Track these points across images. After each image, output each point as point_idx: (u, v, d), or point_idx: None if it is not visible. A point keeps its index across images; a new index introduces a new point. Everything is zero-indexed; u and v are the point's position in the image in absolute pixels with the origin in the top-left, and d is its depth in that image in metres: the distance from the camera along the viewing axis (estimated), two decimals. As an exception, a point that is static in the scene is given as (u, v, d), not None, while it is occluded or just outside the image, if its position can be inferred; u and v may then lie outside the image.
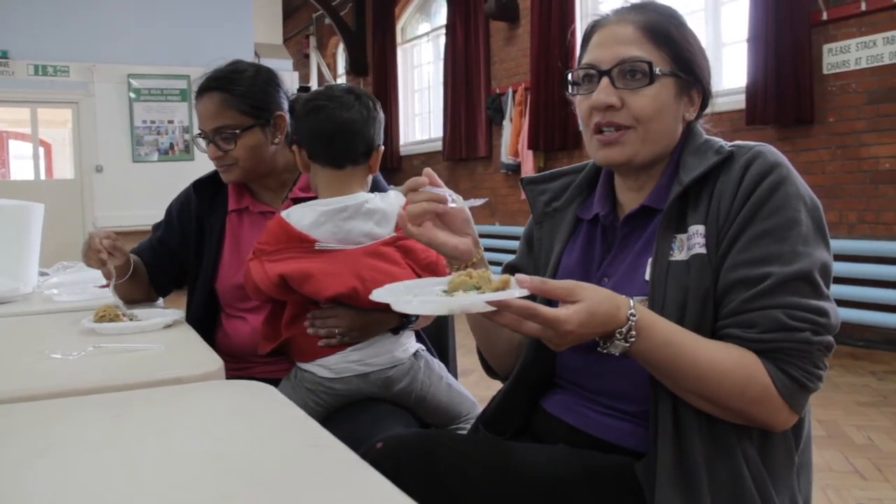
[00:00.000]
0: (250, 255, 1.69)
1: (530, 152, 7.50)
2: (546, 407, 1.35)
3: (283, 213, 1.69)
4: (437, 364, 1.79)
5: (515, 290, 1.01)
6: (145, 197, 9.22)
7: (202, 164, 8.00)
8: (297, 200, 1.90)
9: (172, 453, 0.91)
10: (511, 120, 7.88)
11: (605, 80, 1.22)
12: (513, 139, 7.81)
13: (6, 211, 2.37)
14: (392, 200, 1.72)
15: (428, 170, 1.24)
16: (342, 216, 1.67)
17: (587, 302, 1.03)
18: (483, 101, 8.41)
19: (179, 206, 2.03)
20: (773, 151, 1.17)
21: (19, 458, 0.91)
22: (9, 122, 10.07)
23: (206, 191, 2.00)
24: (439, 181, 1.23)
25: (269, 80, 1.91)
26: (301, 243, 1.65)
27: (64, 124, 10.17)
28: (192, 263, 1.99)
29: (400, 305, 1.04)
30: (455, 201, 1.21)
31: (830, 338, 1.11)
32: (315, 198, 1.80)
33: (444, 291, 1.09)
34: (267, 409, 1.10)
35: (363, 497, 0.77)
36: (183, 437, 0.98)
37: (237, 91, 1.85)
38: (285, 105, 1.93)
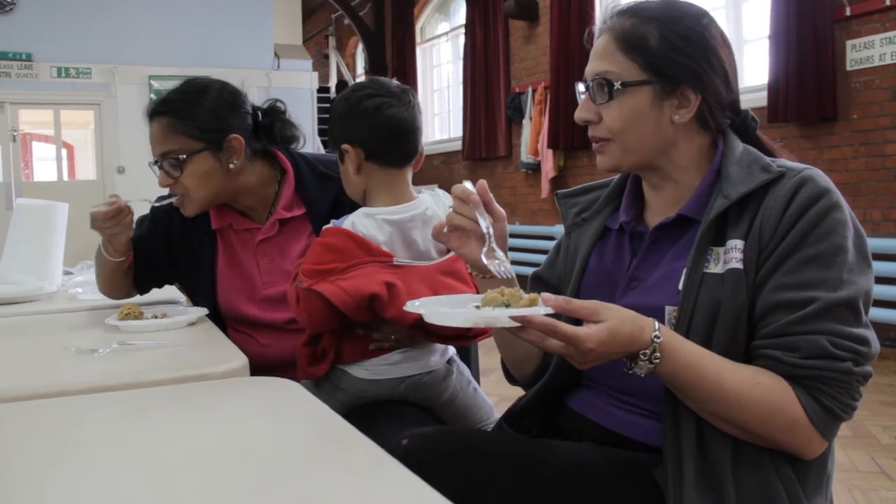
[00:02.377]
0: (305, 280, 1.52)
1: (550, 151, 7.48)
2: (572, 405, 1.34)
3: (347, 225, 1.57)
4: (466, 369, 1.77)
5: (540, 308, 1.04)
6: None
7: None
8: (282, 221, 1.84)
9: (201, 448, 0.91)
10: (531, 119, 7.87)
11: (585, 96, 1.26)
12: (532, 138, 7.79)
13: (32, 210, 2.40)
14: (444, 203, 1.65)
15: (483, 185, 1.24)
16: (411, 226, 1.59)
17: (609, 322, 1.05)
18: (502, 100, 8.40)
19: (164, 215, 1.93)
20: (822, 176, 1.16)
21: (50, 452, 0.92)
22: (32, 123, 10.15)
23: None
24: (489, 199, 1.24)
25: (222, 100, 1.80)
26: (378, 257, 1.55)
27: (86, 125, 10.26)
28: (184, 277, 1.94)
29: (430, 317, 1.07)
30: (496, 256, 1.21)
31: (869, 368, 1.10)
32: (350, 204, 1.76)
33: (477, 307, 1.11)
34: (293, 405, 1.10)
35: (392, 491, 0.77)
36: (211, 432, 0.98)
37: (182, 115, 1.76)
38: (247, 123, 1.83)
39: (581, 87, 1.29)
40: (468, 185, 1.24)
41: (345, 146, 1.60)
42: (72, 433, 0.99)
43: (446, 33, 10.51)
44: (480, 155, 8.65)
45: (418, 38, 10.80)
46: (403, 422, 1.60)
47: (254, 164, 1.83)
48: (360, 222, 1.56)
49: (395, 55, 10.70)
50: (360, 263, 1.52)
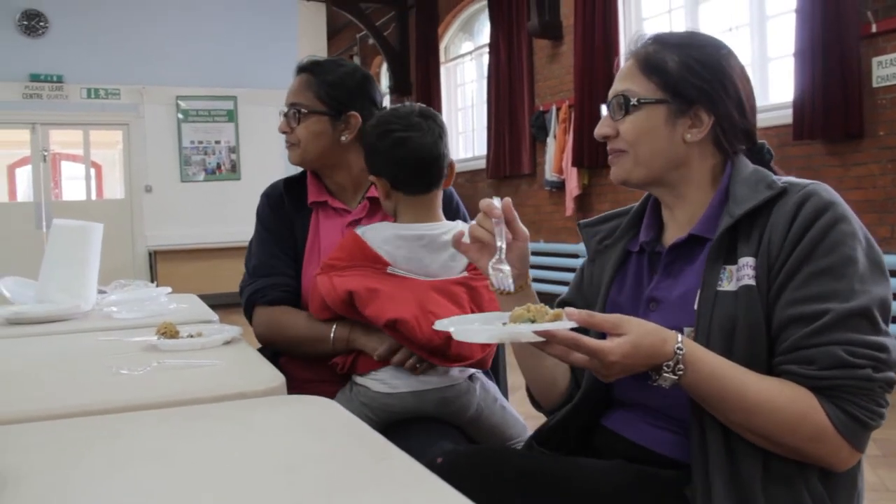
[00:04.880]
0: (318, 270, 1.70)
1: (574, 169, 7.48)
2: (606, 424, 1.36)
3: (360, 231, 1.71)
4: (492, 386, 1.79)
5: (564, 323, 1.08)
6: (193, 216, 9.42)
7: (248, 184, 8.18)
8: (373, 200, 1.92)
9: (247, 464, 0.93)
10: (555, 137, 7.88)
11: (606, 112, 1.33)
12: (557, 156, 7.80)
13: (68, 231, 2.44)
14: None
15: (507, 203, 1.29)
16: (419, 244, 1.68)
17: (632, 335, 1.09)
18: (527, 118, 8.42)
19: (271, 211, 2.00)
20: (827, 190, 1.19)
21: (100, 467, 0.94)
22: (62, 143, 10.33)
23: (293, 189, 2.02)
24: (512, 217, 1.29)
25: (357, 81, 1.97)
26: (374, 263, 1.66)
27: (114, 145, 10.40)
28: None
29: (458, 334, 1.12)
30: (501, 269, 1.27)
31: (892, 374, 1.11)
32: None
33: (504, 324, 1.16)
34: (332, 423, 1.12)
35: (436, 508, 0.78)
36: (255, 448, 1.00)
37: (322, 78, 1.94)
38: (370, 110, 1.95)
39: (604, 108, 1.35)
40: (496, 200, 1.29)
41: (372, 177, 1.73)
42: (121, 449, 1.01)
43: (470, 52, 10.56)
44: (505, 173, 8.67)
45: (442, 58, 10.86)
46: (433, 439, 1.62)
47: (361, 148, 1.91)
48: (371, 231, 1.70)
49: (420, 74, 10.76)
50: (358, 266, 1.65)
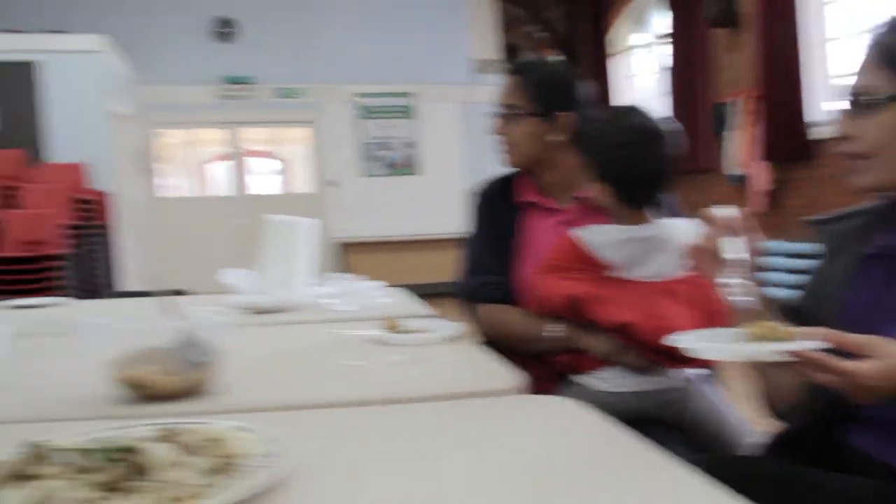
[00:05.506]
0: (536, 271, 1.73)
1: (762, 163, 7.15)
2: (856, 443, 1.27)
3: (579, 234, 1.72)
4: (713, 390, 1.76)
5: (811, 343, 1.04)
6: (376, 210, 9.77)
7: (427, 179, 8.36)
8: (584, 204, 1.91)
9: (499, 465, 0.92)
10: (737, 130, 7.58)
11: (846, 111, 1.24)
12: (741, 150, 7.50)
13: (284, 225, 2.57)
14: (688, 232, 1.67)
15: (738, 215, 1.28)
16: (646, 246, 1.69)
17: (889, 359, 1.02)
18: (706, 110, 8.15)
19: (485, 208, 2.06)
20: None
21: (348, 460, 0.95)
22: (250, 141, 10.92)
23: (504, 187, 2.06)
24: (742, 229, 1.29)
25: (565, 80, 2.01)
26: (593, 267, 1.67)
27: (297, 142, 10.91)
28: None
29: (701, 352, 1.14)
30: (732, 283, 1.26)
31: None
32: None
33: (741, 341, 1.15)
34: (584, 425, 1.09)
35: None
36: (504, 449, 0.99)
37: (531, 79, 1.98)
38: (576, 110, 1.96)
39: (844, 102, 1.26)
40: (725, 210, 1.29)
41: (595, 184, 1.73)
42: (364, 443, 1.02)
43: (645, 45, 10.33)
44: (688, 168, 8.42)
45: (612, 49, 10.69)
46: (660, 443, 1.59)
47: (571, 147, 1.89)
48: (592, 233, 1.70)
49: (589, 66, 10.63)
50: (577, 268, 1.66)
